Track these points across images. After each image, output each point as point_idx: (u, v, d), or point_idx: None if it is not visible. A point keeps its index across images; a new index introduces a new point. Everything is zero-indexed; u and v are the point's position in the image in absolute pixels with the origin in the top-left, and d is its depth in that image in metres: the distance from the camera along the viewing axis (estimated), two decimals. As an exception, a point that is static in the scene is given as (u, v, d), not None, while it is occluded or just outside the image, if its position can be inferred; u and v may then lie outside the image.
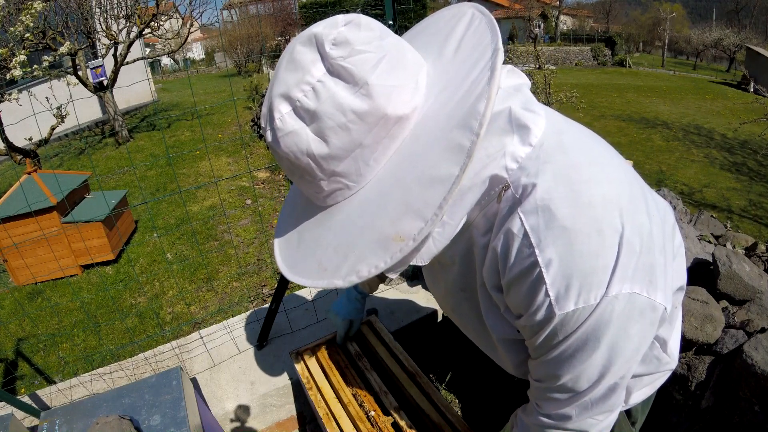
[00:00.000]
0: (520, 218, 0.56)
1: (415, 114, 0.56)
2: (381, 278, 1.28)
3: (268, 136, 0.57)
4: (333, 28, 0.54)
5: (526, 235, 0.56)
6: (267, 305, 1.66)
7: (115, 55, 7.61)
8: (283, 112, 0.54)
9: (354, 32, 0.54)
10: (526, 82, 0.65)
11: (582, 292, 0.54)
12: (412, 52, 0.59)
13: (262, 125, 0.58)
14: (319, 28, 0.54)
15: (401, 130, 0.55)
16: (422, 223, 0.50)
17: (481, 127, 0.48)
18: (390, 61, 0.54)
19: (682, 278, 0.75)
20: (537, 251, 0.55)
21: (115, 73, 7.61)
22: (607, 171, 0.60)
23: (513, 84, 0.63)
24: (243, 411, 1.52)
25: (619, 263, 0.54)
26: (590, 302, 0.54)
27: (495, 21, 0.56)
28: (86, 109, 9.92)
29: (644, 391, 0.81)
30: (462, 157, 0.48)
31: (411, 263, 0.63)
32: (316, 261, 0.59)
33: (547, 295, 0.55)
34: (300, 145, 0.55)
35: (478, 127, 0.48)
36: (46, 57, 5.63)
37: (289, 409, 1.61)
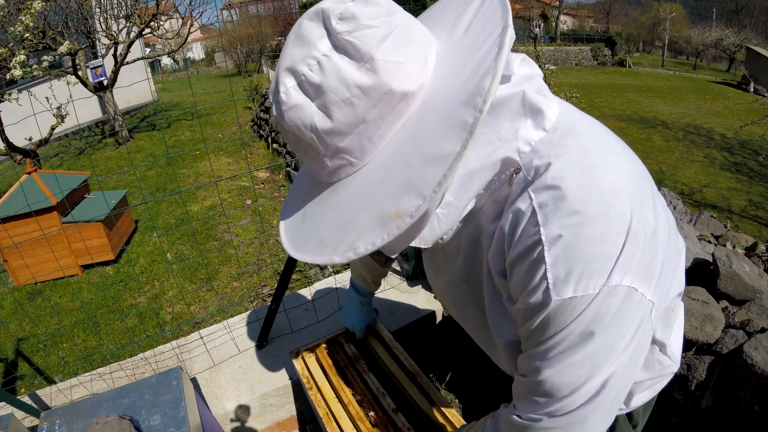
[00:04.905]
0: (530, 196, 0.56)
1: (422, 92, 0.55)
2: (383, 262, 1.19)
3: (274, 109, 0.58)
4: (340, 2, 0.53)
5: (533, 212, 0.55)
6: (267, 305, 1.66)
7: (115, 55, 7.61)
8: (288, 86, 0.54)
9: (361, 7, 0.53)
10: (539, 72, 0.64)
11: (582, 278, 0.53)
12: (421, 30, 0.58)
13: (270, 99, 0.58)
14: (327, 3, 0.54)
15: (406, 107, 0.55)
16: (420, 200, 0.49)
17: (485, 103, 0.47)
18: (398, 37, 0.53)
19: (682, 284, 0.74)
20: (542, 229, 0.54)
21: (115, 73, 7.62)
22: (620, 159, 0.59)
23: (526, 73, 0.62)
24: (243, 411, 1.52)
25: (623, 253, 0.53)
26: (589, 291, 0.53)
27: (508, 1, 0.55)
28: (86, 109, 9.94)
29: (645, 394, 0.81)
30: (464, 133, 0.47)
31: (414, 245, 0.63)
32: (318, 237, 0.59)
33: (545, 277, 0.54)
34: (304, 119, 0.55)
35: (482, 104, 0.47)
36: (46, 57, 5.64)
37: (289, 409, 1.61)
